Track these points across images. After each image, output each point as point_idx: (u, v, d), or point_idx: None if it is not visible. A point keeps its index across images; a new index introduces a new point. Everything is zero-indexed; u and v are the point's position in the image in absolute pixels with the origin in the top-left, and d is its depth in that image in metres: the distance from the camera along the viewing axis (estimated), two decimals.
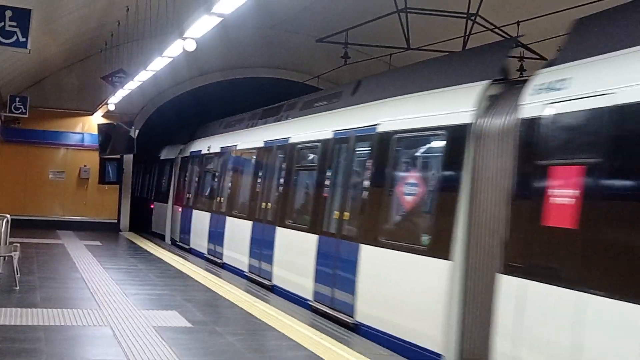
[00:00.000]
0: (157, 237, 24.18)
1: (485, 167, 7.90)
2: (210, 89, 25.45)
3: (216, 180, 18.79)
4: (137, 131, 24.50)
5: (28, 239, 18.67)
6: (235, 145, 17.82)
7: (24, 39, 10.43)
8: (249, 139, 17.10)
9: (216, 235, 17.89)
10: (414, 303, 8.83)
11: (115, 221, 25.16)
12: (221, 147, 18.87)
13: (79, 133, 24.94)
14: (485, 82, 8.56)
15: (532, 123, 6.83)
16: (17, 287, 11.72)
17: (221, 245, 17.30)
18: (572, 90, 6.41)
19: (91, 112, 24.60)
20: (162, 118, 26.30)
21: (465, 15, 14.24)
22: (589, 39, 6.72)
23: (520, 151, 6.98)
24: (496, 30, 14.36)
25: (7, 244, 13.64)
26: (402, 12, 14.35)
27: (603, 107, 5.92)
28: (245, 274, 15.12)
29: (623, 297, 5.42)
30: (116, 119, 24.14)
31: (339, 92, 13.18)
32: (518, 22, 13.89)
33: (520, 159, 6.96)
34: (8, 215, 14.15)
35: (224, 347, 8.48)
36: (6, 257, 12.92)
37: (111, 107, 23.25)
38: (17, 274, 12.06)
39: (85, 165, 24.80)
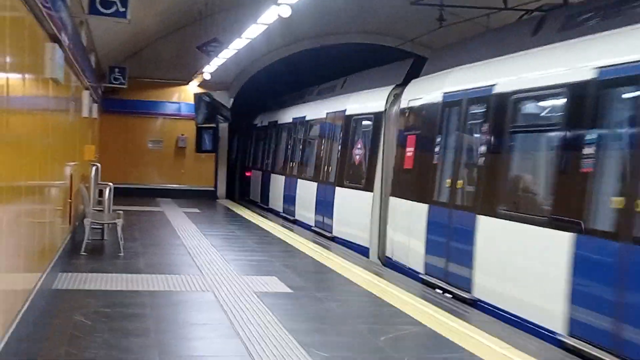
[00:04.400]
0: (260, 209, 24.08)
1: None
2: (302, 56, 25.38)
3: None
4: (232, 99, 24.75)
5: (129, 206, 19.10)
6: None
7: (124, 9, 10.62)
8: None
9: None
10: None
11: (213, 189, 25.57)
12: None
13: (175, 103, 25.36)
14: None
15: None
16: (122, 254, 12.02)
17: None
18: None
19: (187, 82, 24.96)
20: (257, 86, 26.42)
21: None
22: None
23: None
24: None
25: (111, 211, 14.00)
26: None
27: None
28: None
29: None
30: (211, 87, 24.43)
31: None
32: None
33: None
34: (111, 184, 14.53)
35: (325, 312, 8.49)
36: (110, 225, 13.27)
37: (207, 77, 23.50)
38: (121, 240, 12.35)
39: (182, 135, 25.23)
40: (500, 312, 8.72)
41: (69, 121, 11.50)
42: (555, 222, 7.87)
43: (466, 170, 10.45)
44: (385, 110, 14.19)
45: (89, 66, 15.15)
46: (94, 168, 14.81)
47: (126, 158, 24.73)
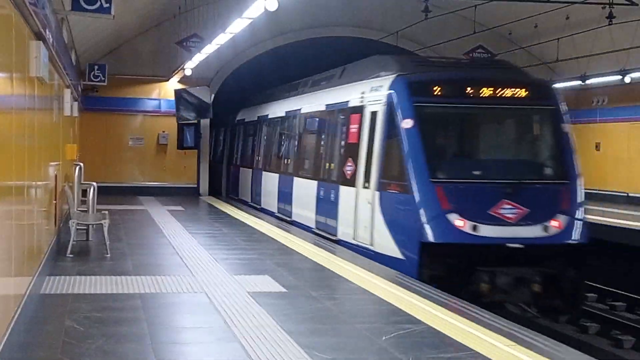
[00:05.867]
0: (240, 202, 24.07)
1: None
2: (289, 48, 25.05)
3: None
4: (212, 95, 24.48)
5: (112, 205, 18.80)
6: None
7: (107, 5, 10.36)
8: None
9: None
10: None
11: (195, 186, 25.31)
12: None
13: (155, 99, 25.04)
14: None
15: None
16: (109, 255, 11.78)
17: None
18: None
19: (167, 78, 24.63)
20: (240, 80, 26.11)
21: None
22: None
23: None
24: None
25: (95, 211, 13.74)
26: None
27: None
28: None
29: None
30: (192, 83, 24.13)
31: None
32: None
33: None
34: (94, 183, 14.26)
35: (322, 312, 8.32)
36: (95, 225, 13.01)
37: (187, 72, 23.23)
38: (107, 241, 12.10)
39: (163, 131, 24.92)
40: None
41: (53, 120, 11.23)
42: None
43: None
44: (235, 122, 26.76)
45: (70, 64, 14.85)
46: (77, 168, 14.53)
47: (107, 156, 24.42)
